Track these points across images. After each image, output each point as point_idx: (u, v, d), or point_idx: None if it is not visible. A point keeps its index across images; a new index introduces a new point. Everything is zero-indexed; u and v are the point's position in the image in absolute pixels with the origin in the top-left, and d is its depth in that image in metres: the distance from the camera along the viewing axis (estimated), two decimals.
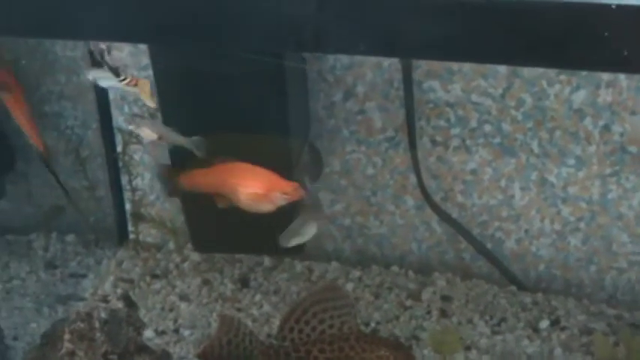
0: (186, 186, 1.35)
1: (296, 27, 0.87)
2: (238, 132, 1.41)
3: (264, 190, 1.28)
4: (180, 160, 1.44)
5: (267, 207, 1.29)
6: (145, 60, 1.61)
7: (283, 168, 1.44)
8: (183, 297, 1.61)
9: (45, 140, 1.65)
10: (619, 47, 0.78)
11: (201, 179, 1.34)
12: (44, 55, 1.68)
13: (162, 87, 1.42)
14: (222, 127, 1.42)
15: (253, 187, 1.28)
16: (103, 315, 1.39)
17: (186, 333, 1.54)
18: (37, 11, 0.94)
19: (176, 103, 1.43)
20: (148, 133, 1.36)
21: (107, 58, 1.26)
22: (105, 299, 1.54)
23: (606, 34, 0.79)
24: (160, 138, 1.36)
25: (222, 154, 1.34)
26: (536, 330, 1.53)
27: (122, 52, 1.60)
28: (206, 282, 1.64)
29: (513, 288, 1.62)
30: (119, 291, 1.60)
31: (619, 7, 0.77)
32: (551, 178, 1.57)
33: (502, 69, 1.52)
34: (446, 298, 1.60)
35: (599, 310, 1.57)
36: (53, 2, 0.93)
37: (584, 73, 1.47)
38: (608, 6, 0.77)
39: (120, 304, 1.43)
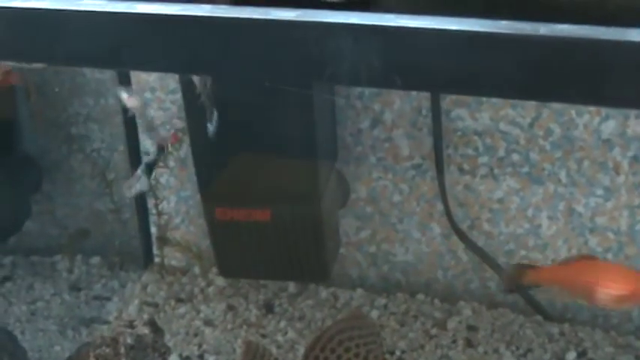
0: (534, 280, 1.32)
1: (331, 60, 0.86)
2: (266, 156, 1.41)
3: (629, 290, 1.20)
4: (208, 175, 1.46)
5: (630, 306, 1.24)
6: (173, 84, 1.61)
7: (310, 193, 1.44)
8: (208, 322, 1.61)
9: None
10: None
11: (553, 275, 1.31)
12: (72, 78, 1.68)
13: (191, 115, 1.42)
14: (251, 151, 1.42)
15: (617, 289, 1.22)
16: (129, 340, 1.39)
17: (211, 359, 1.53)
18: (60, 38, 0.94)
19: (204, 127, 1.43)
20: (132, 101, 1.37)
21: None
22: (131, 324, 1.54)
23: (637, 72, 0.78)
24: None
25: (253, 177, 1.35)
26: None
27: (150, 76, 1.61)
28: (231, 307, 1.64)
29: (539, 318, 1.61)
30: (145, 316, 1.60)
31: None
32: (579, 208, 1.56)
33: None
34: (472, 328, 1.58)
35: (626, 343, 1.56)
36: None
37: None
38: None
39: (146, 330, 1.43)
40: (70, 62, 1.09)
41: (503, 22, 0.84)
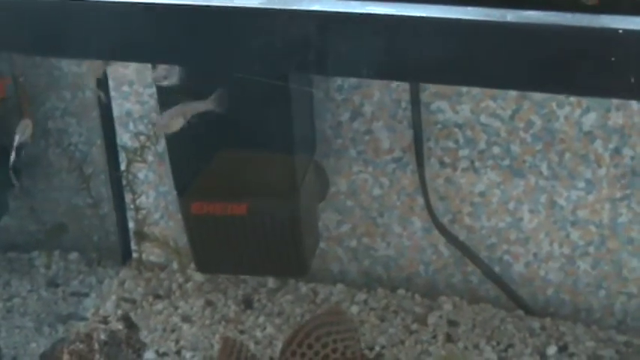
0: None
1: (300, 49, 0.85)
2: (243, 150, 1.40)
3: None
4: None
5: None
6: (149, 77, 1.59)
7: (287, 187, 1.42)
8: (186, 318, 1.59)
9: None
10: (625, 73, 0.75)
11: None
12: (49, 71, 1.67)
13: (165, 102, 1.40)
14: (226, 146, 1.40)
15: None
16: (103, 336, 1.37)
17: (188, 355, 1.52)
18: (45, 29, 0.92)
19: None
20: (174, 124, 1.35)
21: None
22: (105, 320, 1.52)
23: (613, 59, 0.76)
24: (184, 118, 1.35)
25: (229, 171, 1.33)
26: (543, 356, 1.50)
27: (127, 69, 1.59)
28: (209, 303, 1.62)
29: (521, 312, 1.60)
30: (120, 312, 1.58)
31: (626, 32, 0.75)
32: (561, 201, 1.55)
33: (511, 90, 1.50)
34: (452, 323, 1.57)
35: (608, 337, 1.54)
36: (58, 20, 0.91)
37: None
38: (615, 30, 0.75)
39: (120, 326, 1.41)
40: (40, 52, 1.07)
41: (471, 9, 0.82)
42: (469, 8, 0.83)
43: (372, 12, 0.84)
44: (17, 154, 1.40)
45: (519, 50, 0.81)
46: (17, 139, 1.39)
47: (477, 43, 0.82)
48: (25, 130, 1.42)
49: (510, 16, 0.81)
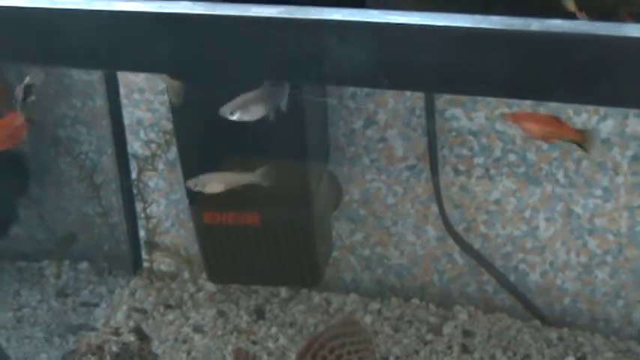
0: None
1: (317, 60, 0.83)
2: (256, 159, 1.38)
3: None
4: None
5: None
6: (162, 85, 1.58)
7: (300, 196, 1.41)
8: (197, 328, 1.57)
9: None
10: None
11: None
12: (60, 79, 1.65)
13: (179, 115, 1.39)
14: (240, 153, 1.39)
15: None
16: (115, 348, 1.36)
17: None
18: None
19: (193, 130, 1.40)
20: (214, 187, 1.34)
21: None
22: (117, 332, 1.50)
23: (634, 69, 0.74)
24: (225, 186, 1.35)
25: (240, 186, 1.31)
26: None
27: (138, 76, 1.57)
28: (221, 313, 1.60)
29: (537, 322, 1.57)
30: (131, 323, 1.56)
31: None
32: (578, 209, 1.53)
33: None
34: (468, 333, 1.55)
35: (627, 347, 1.52)
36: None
37: None
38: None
39: (132, 337, 1.40)
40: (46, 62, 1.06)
41: (495, 18, 0.80)
42: (492, 17, 0.81)
43: (393, 21, 0.82)
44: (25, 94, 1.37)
45: (544, 59, 0.79)
46: (27, 79, 1.36)
47: (500, 52, 0.80)
48: (37, 77, 1.39)
49: (535, 24, 0.79)
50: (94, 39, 0.89)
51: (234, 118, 1.29)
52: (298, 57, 0.85)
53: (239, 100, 1.28)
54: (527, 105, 1.47)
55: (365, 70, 0.83)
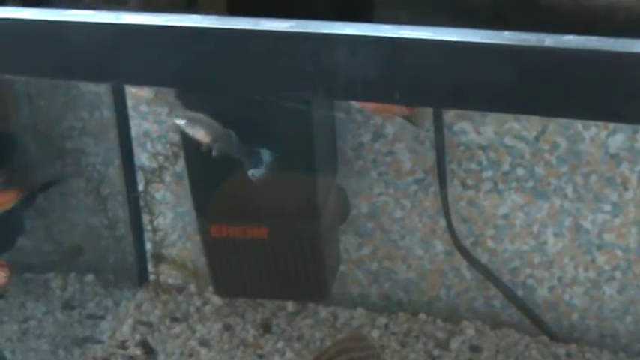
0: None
1: (328, 74, 0.82)
2: (263, 179, 1.37)
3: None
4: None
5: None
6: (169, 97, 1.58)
7: (308, 209, 1.40)
8: (204, 342, 1.57)
9: None
10: None
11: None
12: (67, 90, 1.65)
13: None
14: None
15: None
16: None
17: None
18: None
19: (200, 147, 1.39)
20: (146, 92, 1.31)
21: None
22: (123, 345, 1.50)
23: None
24: (213, 141, 1.31)
25: (250, 193, 1.31)
26: None
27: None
28: (227, 327, 1.59)
29: (545, 338, 1.57)
30: (138, 336, 1.55)
31: None
32: (586, 225, 1.52)
33: None
34: (475, 348, 1.54)
35: None
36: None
37: None
38: None
39: (138, 351, 1.39)
40: (55, 75, 1.05)
41: (507, 33, 0.80)
42: (505, 33, 0.81)
43: (405, 36, 0.81)
44: None
45: (557, 75, 0.79)
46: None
47: (513, 67, 0.80)
48: None
49: (549, 40, 0.79)
50: (102, 52, 0.88)
51: (177, 122, 1.29)
52: (309, 71, 0.84)
53: (199, 116, 1.29)
54: (536, 119, 1.47)
55: (376, 85, 0.83)
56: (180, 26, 0.86)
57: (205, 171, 1.40)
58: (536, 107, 0.82)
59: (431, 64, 0.81)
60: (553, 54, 0.78)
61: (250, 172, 1.32)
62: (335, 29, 0.82)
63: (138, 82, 1.07)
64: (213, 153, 1.29)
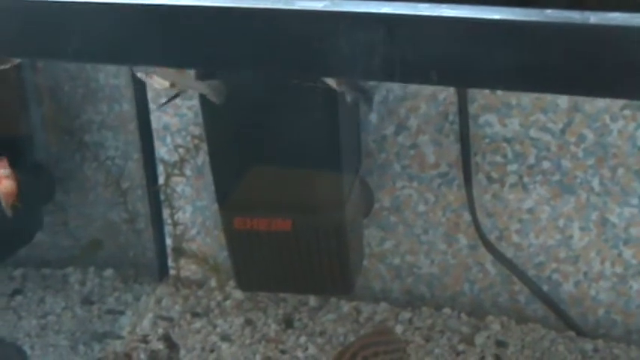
0: None
1: (364, 54, 0.80)
2: (288, 165, 1.36)
3: None
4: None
5: None
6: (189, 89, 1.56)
7: (333, 202, 1.38)
8: (225, 337, 1.55)
9: None
10: None
11: None
12: (86, 83, 1.63)
13: (210, 120, 1.36)
14: (271, 158, 1.36)
15: None
16: (143, 356, 1.33)
17: None
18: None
19: (223, 133, 1.38)
20: (159, 82, 1.29)
21: None
22: (145, 339, 1.48)
23: None
24: (172, 85, 1.29)
25: (274, 185, 1.29)
26: None
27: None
28: (249, 322, 1.57)
29: (572, 333, 1.54)
30: (160, 330, 1.53)
31: None
32: (613, 219, 1.50)
33: (563, 103, 1.45)
34: (501, 343, 1.52)
35: None
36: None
37: None
38: None
39: (160, 345, 1.37)
40: (67, 57, 1.03)
41: (549, 11, 0.78)
42: (547, 11, 0.79)
43: (444, 15, 0.79)
44: None
45: (603, 54, 0.76)
46: None
47: (557, 46, 0.78)
48: None
49: (593, 18, 0.77)
50: (121, 33, 0.86)
51: (139, 75, 1.27)
52: (345, 52, 0.82)
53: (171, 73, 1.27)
54: (562, 111, 1.45)
55: (414, 66, 0.81)
56: (212, 6, 0.84)
57: (229, 162, 1.38)
58: (582, 87, 0.80)
59: (471, 44, 0.79)
60: (599, 31, 0.76)
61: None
62: (372, 8, 0.80)
63: (153, 63, 1.05)
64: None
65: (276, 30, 0.83)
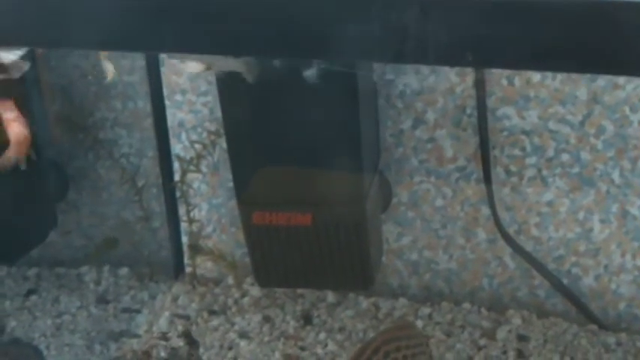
0: None
1: (398, 37, 0.79)
2: (307, 159, 1.34)
3: None
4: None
5: None
6: (204, 86, 1.54)
7: (354, 196, 1.37)
8: (243, 334, 1.53)
9: None
10: None
11: None
12: (99, 80, 1.62)
13: (228, 112, 1.35)
14: (290, 152, 1.35)
15: None
16: (163, 354, 1.32)
17: None
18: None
19: (242, 125, 1.36)
20: (194, 66, 1.27)
21: None
22: (164, 337, 1.46)
23: None
24: (208, 68, 1.27)
25: (293, 179, 1.27)
26: None
27: (180, 77, 1.54)
28: (267, 318, 1.56)
29: (594, 327, 1.53)
30: (180, 327, 1.52)
31: None
32: (633, 211, 1.48)
33: (582, 95, 1.44)
34: (522, 338, 1.50)
35: None
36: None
37: None
38: None
39: (181, 342, 1.36)
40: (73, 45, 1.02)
41: None
42: None
43: None
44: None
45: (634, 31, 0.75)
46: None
47: (597, 25, 0.76)
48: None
49: None
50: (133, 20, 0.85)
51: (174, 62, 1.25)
52: (378, 34, 0.81)
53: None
54: (582, 103, 1.44)
55: (449, 47, 0.80)
56: None
57: (249, 155, 1.37)
58: (615, 66, 0.78)
59: (505, 23, 0.78)
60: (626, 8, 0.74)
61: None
62: None
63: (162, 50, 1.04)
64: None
65: (304, 13, 0.82)
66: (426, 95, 1.49)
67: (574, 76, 1.43)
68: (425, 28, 0.79)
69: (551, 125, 1.47)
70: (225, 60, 1.25)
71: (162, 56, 1.51)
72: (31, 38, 0.88)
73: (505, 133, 1.49)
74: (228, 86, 1.31)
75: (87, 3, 0.82)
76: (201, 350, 1.48)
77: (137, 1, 0.81)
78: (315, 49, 0.84)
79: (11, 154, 1.32)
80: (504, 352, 1.47)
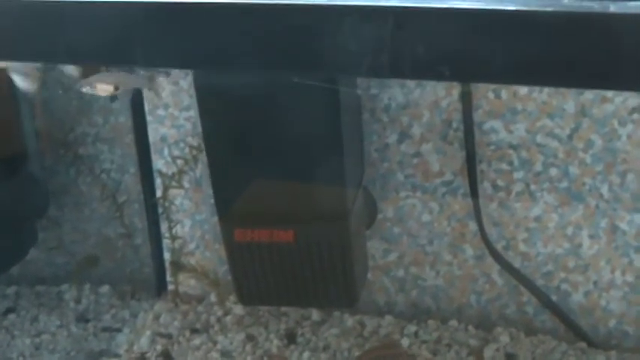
0: None
1: (371, 50, 0.77)
2: (289, 175, 1.32)
3: None
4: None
5: None
6: (187, 100, 1.52)
7: (337, 212, 1.34)
8: (226, 353, 1.50)
9: None
10: None
11: None
12: (79, 95, 1.60)
13: (208, 127, 1.33)
14: (273, 168, 1.33)
15: None
16: None
17: None
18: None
19: (222, 141, 1.34)
20: (104, 89, 1.26)
21: None
22: (143, 356, 1.43)
23: None
24: (116, 88, 1.26)
25: (275, 195, 1.25)
26: None
27: (163, 91, 1.52)
28: (250, 337, 1.53)
29: (583, 345, 1.50)
30: (159, 347, 1.49)
31: None
32: (623, 226, 1.46)
33: (570, 108, 1.42)
34: (511, 356, 1.47)
35: None
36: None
37: None
38: None
39: None
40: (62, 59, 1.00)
41: (566, 0, 0.75)
42: (564, 0, 0.75)
43: (455, 6, 0.76)
44: None
45: (622, 44, 0.73)
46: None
47: (576, 37, 0.74)
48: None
49: (613, 7, 0.74)
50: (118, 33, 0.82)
51: (84, 90, 1.24)
52: (351, 48, 0.79)
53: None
54: (570, 116, 1.42)
55: (424, 62, 0.77)
56: (211, 2, 0.80)
57: (229, 171, 1.34)
58: (601, 80, 0.76)
59: (485, 36, 0.75)
60: (620, 20, 0.72)
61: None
62: (379, 1, 0.77)
63: (150, 64, 1.02)
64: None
65: (279, 26, 0.79)
66: (412, 109, 1.47)
67: (562, 88, 1.41)
68: (400, 42, 0.77)
69: (539, 139, 1.45)
70: (129, 77, 1.25)
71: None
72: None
73: (492, 147, 1.47)
74: (208, 101, 1.29)
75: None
76: None
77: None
78: (289, 63, 0.82)
79: None
80: None
